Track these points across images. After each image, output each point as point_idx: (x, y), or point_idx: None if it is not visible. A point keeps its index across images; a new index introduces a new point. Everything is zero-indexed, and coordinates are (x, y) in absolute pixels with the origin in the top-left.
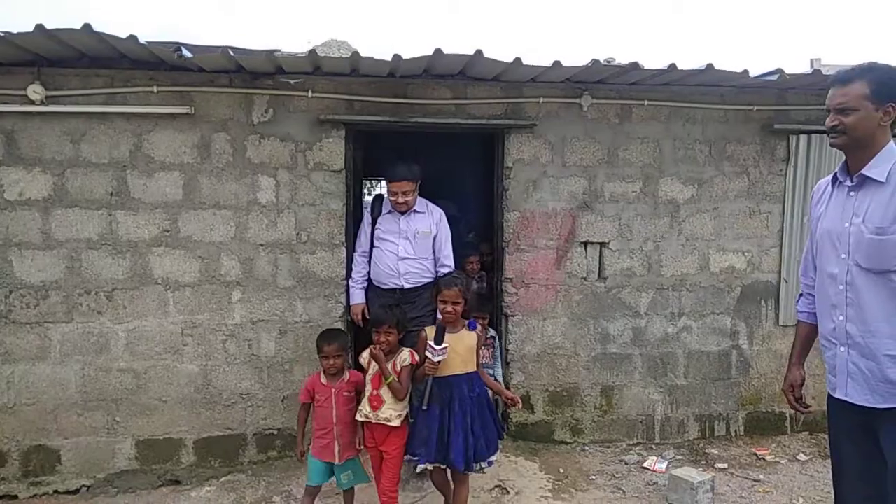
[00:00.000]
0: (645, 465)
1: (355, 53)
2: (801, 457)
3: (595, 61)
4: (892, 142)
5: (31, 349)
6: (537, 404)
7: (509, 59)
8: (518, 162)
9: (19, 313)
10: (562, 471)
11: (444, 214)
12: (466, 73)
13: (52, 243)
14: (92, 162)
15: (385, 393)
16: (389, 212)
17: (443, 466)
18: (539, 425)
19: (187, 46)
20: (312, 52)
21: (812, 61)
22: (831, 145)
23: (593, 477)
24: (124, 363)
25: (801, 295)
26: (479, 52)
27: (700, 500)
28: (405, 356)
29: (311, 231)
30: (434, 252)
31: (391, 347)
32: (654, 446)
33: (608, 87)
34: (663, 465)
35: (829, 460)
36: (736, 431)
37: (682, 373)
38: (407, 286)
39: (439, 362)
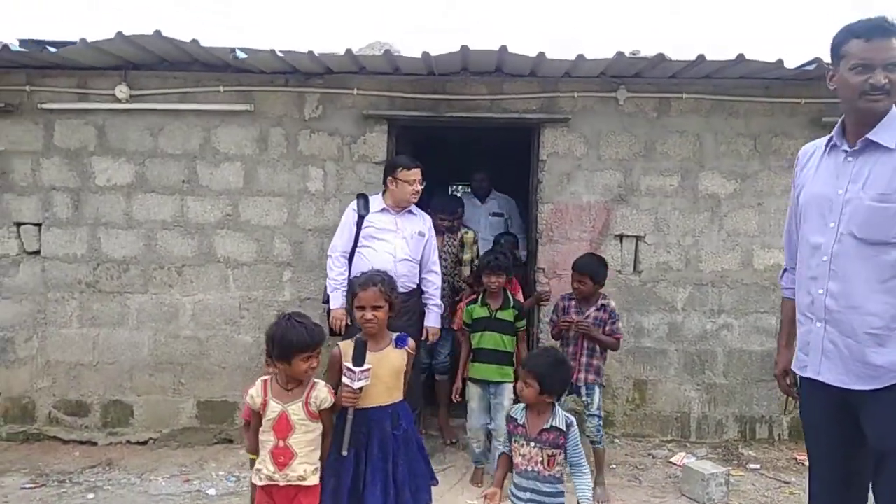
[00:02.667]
0: (672, 459)
1: (388, 52)
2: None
3: (620, 54)
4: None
5: (112, 315)
6: None
7: (533, 54)
8: (552, 155)
9: (104, 284)
10: None
11: (430, 219)
12: (502, 69)
13: (133, 224)
14: (168, 153)
15: (297, 441)
16: (383, 210)
17: None
18: None
19: (243, 49)
20: (349, 51)
21: None
22: (868, 110)
23: (614, 466)
24: (190, 332)
25: (784, 270)
26: (503, 48)
27: (712, 493)
28: (324, 394)
29: None
30: (423, 257)
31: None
32: (688, 444)
33: (645, 81)
34: (691, 461)
35: None
36: (780, 436)
37: (721, 371)
38: (400, 289)
39: (360, 389)
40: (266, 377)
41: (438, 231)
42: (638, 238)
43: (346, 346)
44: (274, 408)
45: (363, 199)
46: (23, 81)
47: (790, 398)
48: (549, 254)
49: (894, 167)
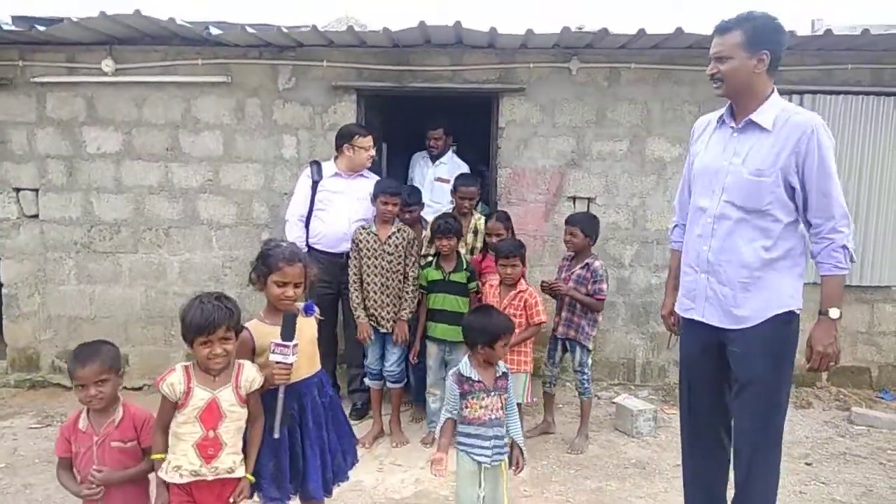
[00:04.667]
0: (615, 400)
1: (351, 27)
2: None
3: (566, 28)
4: (775, 90)
5: (106, 273)
6: None
7: (486, 28)
8: (510, 123)
9: (98, 244)
10: (535, 399)
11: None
12: (463, 41)
13: (123, 189)
14: (152, 123)
15: (226, 430)
16: (335, 175)
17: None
18: None
19: (217, 24)
20: (314, 27)
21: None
22: (715, 94)
23: (560, 406)
24: (178, 288)
25: (675, 226)
26: (458, 23)
27: (640, 427)
28: (253, 373)
29: None
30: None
31: (226, 362)
32: (632, 387)
33: (597, 52)
34: (622, 399)
35: (799, 409)
36: None
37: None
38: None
39: (291, 364)
40: (187, 363)
41: (385, 217)
42: (589, 200)
43: (256, 327)
44: (201, 395)
45: (316, 165)
46: (16, 56)
47: (672, 335)
48: None
49: (770, 147)
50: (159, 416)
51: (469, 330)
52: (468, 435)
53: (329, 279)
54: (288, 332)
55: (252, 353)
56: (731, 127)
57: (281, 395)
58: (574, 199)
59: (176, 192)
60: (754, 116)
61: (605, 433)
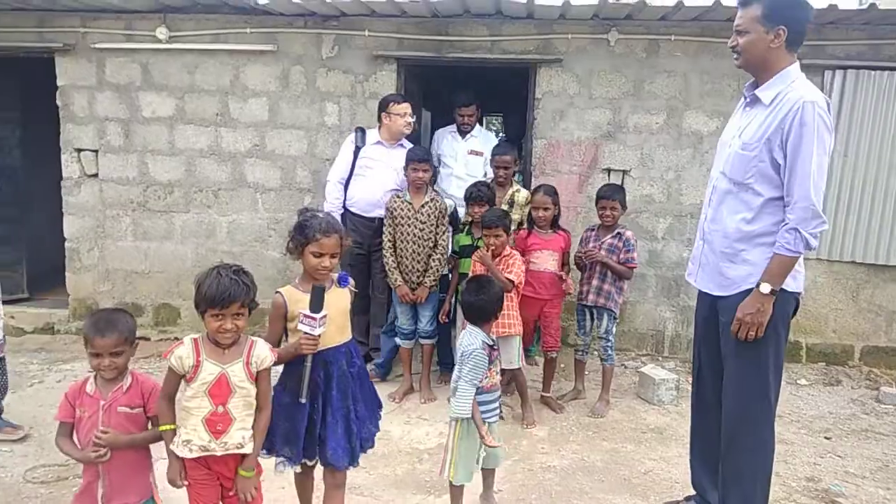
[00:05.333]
0: (640, 370)
1: None
2: (803, 381)
3: None
4: (793, 65)
5: (160, 231)
6: None
7: None
8: (547, 94)
9: (153, 204)
10: (563, 366)
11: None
12: (502, 11)
13: (175, 151)
14: (203, 89)
15: (235, 406)
16: (377, 143)
17: (310, 463)
18: None
19: None
20: None
21: None
22: (735, 65)
23: (587, 373)
24: (226, 247)
25: None
26: None
27: (662, 396)
28: (265, 353)
29: None
30: None
31: (235, 337)
32: (660, 358)
33: (636, 23)
34: (646, 368)
35: (827, 387)
36: None
37: (695, 294)
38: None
39: (318, 336)
40: (196, 335)
41: (417, 184)
42: (624, 172)
43: (290, 293)
44: (210, 370)
45: (361, 131)
46: (77, 24)
47: None
48: None
49: (760, 123)
50: (164, 386)
51: (483, 306)
52: (482, 402)
53: (361, 240)
54: (316, 305)
55: (284, 317)
56: (745, 102)
57: (307, 364)
58: (609, 170)
59: (225, 156)
60: (759, 91)
61: (627, 400)
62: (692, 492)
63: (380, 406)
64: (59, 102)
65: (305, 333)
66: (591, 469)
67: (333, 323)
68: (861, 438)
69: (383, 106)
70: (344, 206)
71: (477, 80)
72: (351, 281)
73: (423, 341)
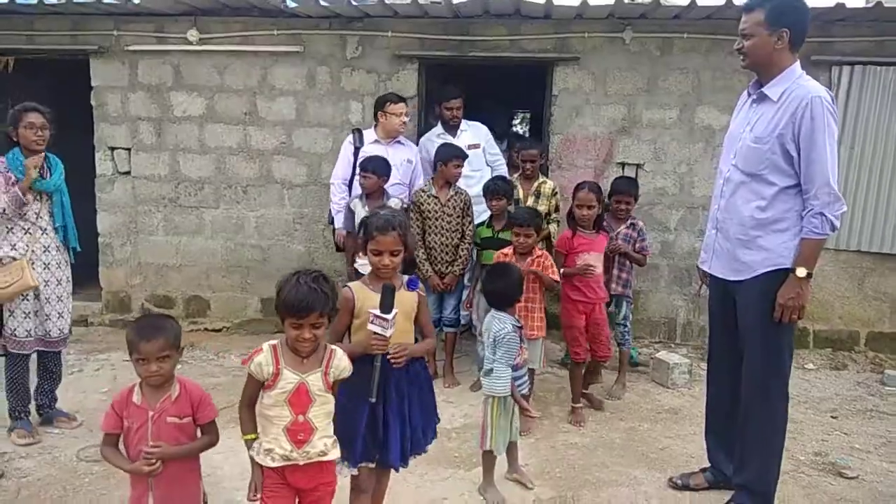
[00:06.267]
0: (654, 355)
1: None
2: (810, 366)
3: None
4: (796, 63)
5: (191, 226)
6: None
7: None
8: (563, 91)
9: (184, 199)
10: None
11: (416, 148)
12: (521, 11)
13: (206, 149)
14: (232, 89)
15: (316, 415)
16: (375, 142)
17: (371, 465)
18: None
19: None
20: None
21: None
22: (741, 66)
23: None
24: (254, 241)
25: None
26: None
27: (676, 379)
28: (344, 363)
29: None
30: (411, 181)
31: (314, 347)
32: (673, 345)
33: (650, 22)
34: (661, 354)
35: (833, 370)
36: None
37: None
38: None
39: (388, 337)
40: (274, 342)
41: (456, 178)
42: (638, 166)
43: (359, 290)
44: (290, 378)
45: (357, 132)
46: (111, 27)
47: (702, 284)
48: (559, 179)
49: (770, 118)
50: (244, 392)
51: (505, 291)
52: (514, 378)
53: None
54: (387, 305)
55: (351, 313)
56: (752, 98)
57: (377, 364)
58: (623, 164)
59: (253, 154)
60: (766, 89)
61: (642, 384)
62: (707, 465)
63: (437, 417)
64: (93, 102)
65: (376, 334)
66: (610, 446)
67: (397, 325)
68: (866, 418)
69: (380, 105)
70: (348, 206)
71: (505, 78)
72: (420, 286)
73: (446, 329)
